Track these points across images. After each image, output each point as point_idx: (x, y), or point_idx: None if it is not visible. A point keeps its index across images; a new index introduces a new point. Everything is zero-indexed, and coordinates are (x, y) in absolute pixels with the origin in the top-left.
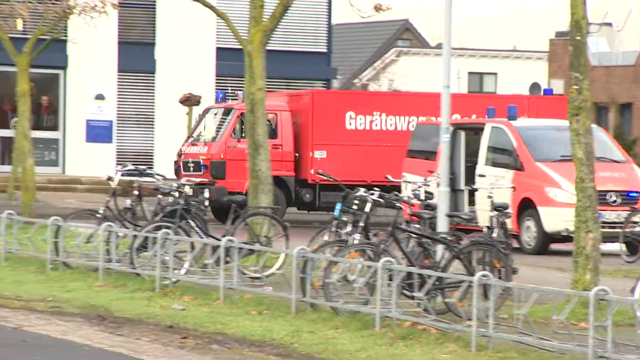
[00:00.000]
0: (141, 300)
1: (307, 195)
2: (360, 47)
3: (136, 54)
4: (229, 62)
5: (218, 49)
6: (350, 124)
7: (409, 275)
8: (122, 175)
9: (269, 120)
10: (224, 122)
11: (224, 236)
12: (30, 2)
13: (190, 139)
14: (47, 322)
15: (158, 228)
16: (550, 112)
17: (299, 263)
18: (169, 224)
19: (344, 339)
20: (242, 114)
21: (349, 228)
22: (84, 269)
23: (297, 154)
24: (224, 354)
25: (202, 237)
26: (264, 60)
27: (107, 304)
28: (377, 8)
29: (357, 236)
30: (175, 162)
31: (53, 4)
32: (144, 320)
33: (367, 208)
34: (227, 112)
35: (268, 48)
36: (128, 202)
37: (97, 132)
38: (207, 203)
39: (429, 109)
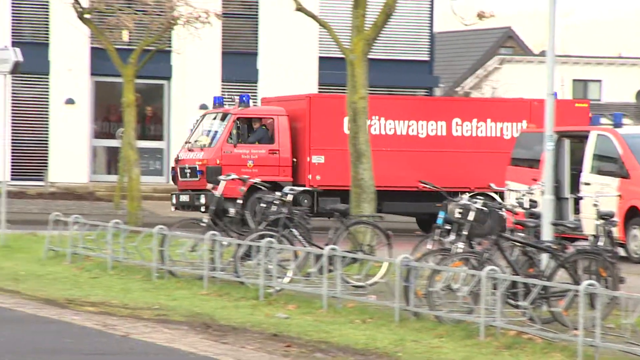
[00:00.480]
0: (245, 308)
1: (305, 201)
2: (462, 55)
3: (239, 64)
4: (331, 71)
5: (320, 58)
6: (348, 128)
7: (514, 284)
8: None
9: (264, 125)
10: (219, 127)
11: (326, 245)
12: (135, 14)
13: (187, 145)
14: (153, 330)
15: (262, 237)
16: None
17: (402, 272)
18: (272, 233)
19: (448, 348)
20: (238, 119)
21: (452, 237)
22: (189, 278)
23: (294, 159)
24: None
25: (305, 246)
26: (366, 69)
27: (211, 312)
28: (480, 15)
29: (461, 245)
30: (173, 168)
31: (158, 15)
32: (249, 328)
33: (471, 216)
34: (224, 117)
35: (370, 57)
36: (232, 211)
37: None
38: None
39: (427, 112)
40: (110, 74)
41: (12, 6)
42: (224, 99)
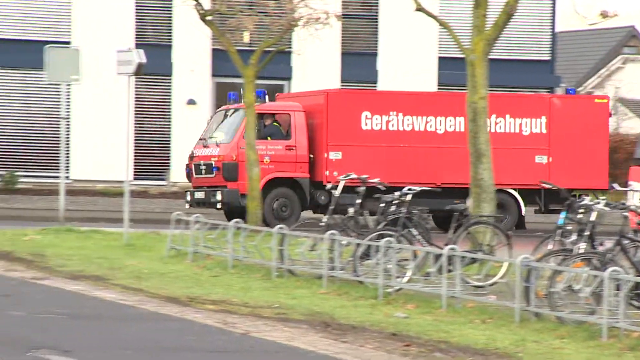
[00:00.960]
0: (364, 307)
1: (322, 198)
2: (584, 55)
3: (359, 65)
4: (451, 71)
5: (440, 58)
6: (366, 124)
7: (637, 285)
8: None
9: (276, 121)
10: (235, 123)
11: (446, 245)
12: (256, 15)
13: (202, 141)
14: (273, 328)
15: (381, 236)
16: (573, 112)
17: (523, 272)
18: (391, 232)
19: (569, 349)
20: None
21: (573, 237)
22: (308, 277)
23: (311, 156)
24: None
25: (424, 246)
26: (487, 69)
27: (331, 311)
28: (604, 15)
29: (583, 245)
30: (187, 165)
31: (278, 16)
32: (368, 327)
33: (593, 217)
34: (240, 113)
35: (490, 57)
36: (351, 210)
37: None
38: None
39: (446, 108)
40: (231, 75)
41: (136, 9)
42: (239, 95)
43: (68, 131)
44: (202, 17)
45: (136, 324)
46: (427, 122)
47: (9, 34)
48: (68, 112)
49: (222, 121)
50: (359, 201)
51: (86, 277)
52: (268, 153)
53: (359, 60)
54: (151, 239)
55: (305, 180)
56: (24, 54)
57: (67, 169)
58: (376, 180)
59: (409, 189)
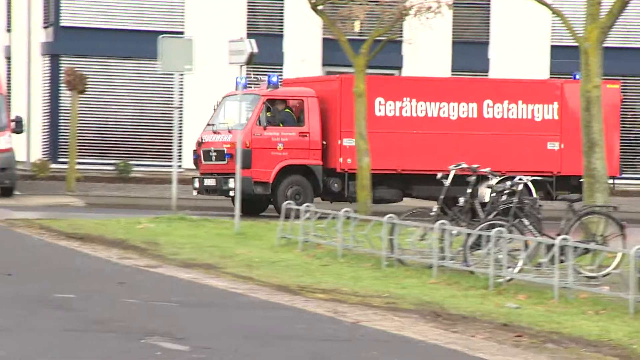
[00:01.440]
0: (475, 297)
1: (336, 185)
2: None
3: (470, 54)
4: (564, 59)
5: (552, 46)
6: (379, 110)
7: None
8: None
9: (289, 107)
10: (247, 109)
11: (558, 235)
12: (367, 5)
13: (210, 127)
14: (383, 317)
15: (491, 226)
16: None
17: (637, 263)
18: (502, 222)
19: None
20: (268, 100)
21: None
22: (417, 266)
23: (324, 142)
24: (559, 353)
25: (536, 236)
26: (600, 57)
27: (441, 300)
28: None
29: None
30: (195, 151)
31: (390, 6)
32: (478, 317)
33: None
34: (252, 99)
35: (604, 45)
36: (461, 200)
37: None
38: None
39: (461, 94)
40: (342, 64)
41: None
42: (250, 80)
43: (181, 120)
44: (314, 7)
45: (247, 311)
46: (440, 109)
47: (124, 24)
48: (181, 101)
49: (232, 107)
50: (469, 191)
51: (198, 266)
52: (282, 139)
53: (470, 49)
54: (261, 228)
55: (318, 168)
56: (138, 44)
57: (180, 158)
58: (487, 169)
59: (519, 178)
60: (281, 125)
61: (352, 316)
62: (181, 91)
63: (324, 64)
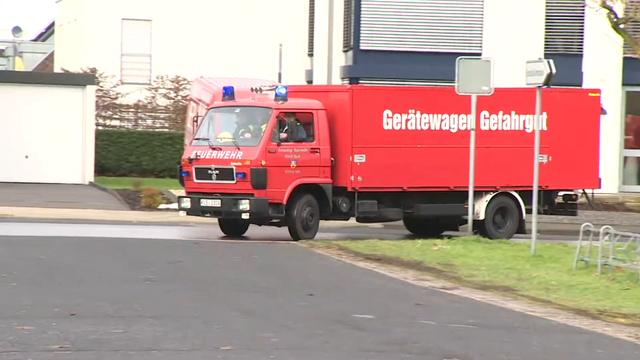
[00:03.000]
0: None
1: (344, 205)
2: None
3: None
4: None
5: None
6: (387, 123)
7: None
8: None
9: (297, 121)
10: (254, 123)
11: None
12: None
13: (202, 142)
14: None
15: None
16: (569, 107)
17: None
18: None
19: None
20: (281, 113)
21: None
22: None
23: (332, 159)
24: None
25: None
26: None
27: None
28: None
29: None
30: (181, 168)
31: None
32: None
33: None
34: (261, 112)
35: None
36: None
37: None
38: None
39: (456, 104)
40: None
41: (546, 19)
42: (258, 89)
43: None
44: (614, 26)
45: (545, 335)
46: (441, 121)
47: (421, 47)
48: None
49: (226, 121)
50: None
51: (494, 288)
52: (294, 157)
53: None
54: (558, 250)
55: (329, 187)
56: (434, 66)
57: None
58: None
59: None
60: (292, 141)
61: None
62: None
63: (624, 84)
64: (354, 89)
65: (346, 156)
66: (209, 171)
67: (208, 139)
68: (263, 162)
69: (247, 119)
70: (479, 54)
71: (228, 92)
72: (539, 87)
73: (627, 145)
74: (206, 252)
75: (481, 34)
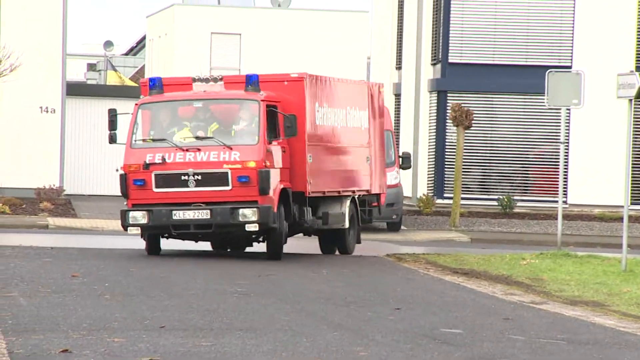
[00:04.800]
0: None
1: (307, 214)
2: None
3: None
4: None
5: None
6: (319, 118)
7: None
8: None
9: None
10: (234, 117)
11: None
12: None
13: (155, 143)
14: None
15: None
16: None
17: None
18: None
19: None
20: (268, 106)
21: None
22: None
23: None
24: None
25: None
26: None
27: None
28: None
29: None
30: (126, 177)
31: None
32: None
33: None
34: (243, 104)
35: None
36: None
37: None
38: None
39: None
40: None
41: (638, 30)
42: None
43: (566, 156)
44: None
45: (636, 352)
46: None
47: (510, 59)
48: (567, 136)
49: (179, 116)
50: None
51: (584, 303)
52: (276, 157)
53: None
54: None
55: (290, 192)
56: (524, 79)
57: (565, 194)
58: None
59: None
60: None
61: None
62: (567, 126)
63: None
64: (309, 78)
65: (302, 157)
66: (183, 177)
67: (165, 139)
68: (267, 163)
69: (222, 114)
70: (570, 67)
71: (155, 83)
72: (631, 100)
73: None
74: (295, 265)
75: (571, 46)
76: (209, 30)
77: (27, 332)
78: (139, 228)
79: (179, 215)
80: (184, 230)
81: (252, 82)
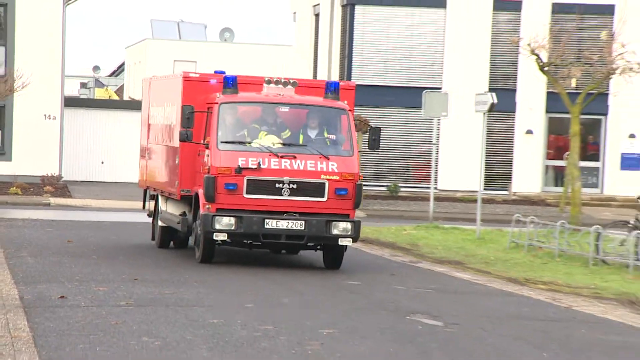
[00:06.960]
0: None
1: None
2: None
3: None
4: None
5: None
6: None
7: None
8: None
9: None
10: (316, 125)
11: None
12: (583, 66)
13: (240, 146)
14: (590, 304)
15: None
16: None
17: None
18: None
19: None
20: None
21: None
22: (617, 266)
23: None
24: None
25: None
26: None
27: (636, 292)
28: None
29: None
30: (214, 179)
31: (600, 66)
32: None
33: None
34: (328, 112)
35: None
36: None
37: (629, 163)
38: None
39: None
40: (561, 112)
41: (491, 61)
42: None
43: (437, 153)
44: (541, 68)
45: (486, 297)
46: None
47: (397, 82)
48: (438, 139)
49: (264, 119)
50: None
51: (448, 262)
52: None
53: None
54: (496, 235)
55: None
56: (407, 97)
57: (436, 181)
58: None
59: None
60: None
61: (566, 302)
62: (438, 132)
63: (547, 111)
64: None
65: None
66: (278, 185)
67: (256, 143)
68: (361, 176)
69: (312, 120)
70: (440, 88)
71: (231, 83)
72: (484, 113)
73: (549, 157)
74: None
75: (442, 72)
76: (172, 58)
77: (34, 282)
78: (226, 234)
79: (271, 224)
80: (273, 240)
81: (332, 89)
